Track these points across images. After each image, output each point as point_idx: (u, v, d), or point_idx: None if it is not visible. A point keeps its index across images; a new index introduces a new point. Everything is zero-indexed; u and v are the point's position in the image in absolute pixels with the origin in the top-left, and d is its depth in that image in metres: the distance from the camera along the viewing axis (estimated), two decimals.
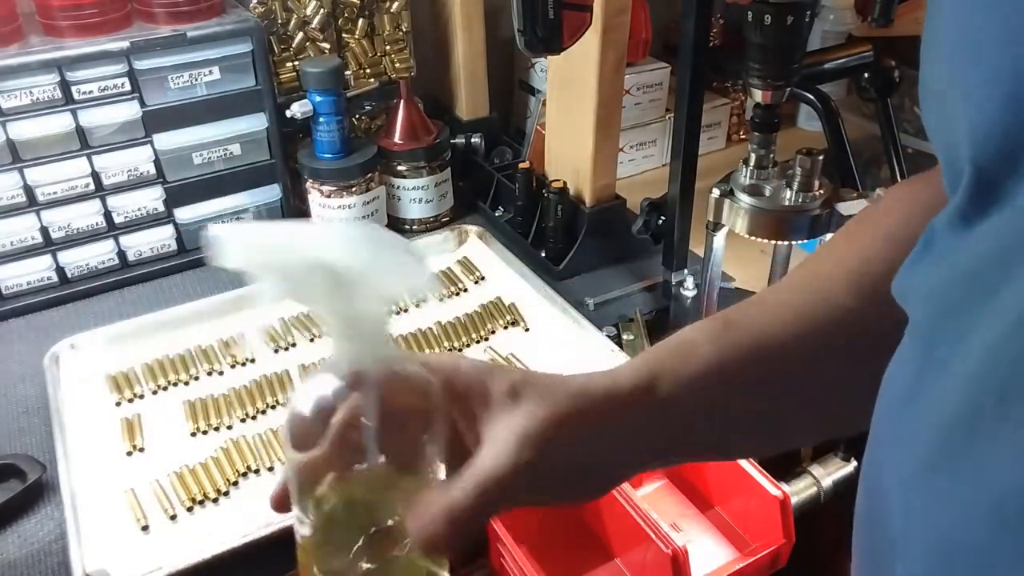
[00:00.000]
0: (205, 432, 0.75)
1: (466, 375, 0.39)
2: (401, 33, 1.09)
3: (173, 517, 0.67)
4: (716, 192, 0.81)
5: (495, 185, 1.08)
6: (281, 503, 0.40)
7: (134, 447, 0.73)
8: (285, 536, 0.64)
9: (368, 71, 1.09)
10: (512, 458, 0.36)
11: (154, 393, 0.79)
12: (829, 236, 0.74)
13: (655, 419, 0.40)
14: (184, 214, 0.97)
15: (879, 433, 0.30)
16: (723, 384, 0.41)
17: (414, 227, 1.06)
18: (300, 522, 0.39)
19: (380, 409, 0.36)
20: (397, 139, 1.04)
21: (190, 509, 0.67)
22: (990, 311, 0.24)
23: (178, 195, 0.96)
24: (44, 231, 0.91)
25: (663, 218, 0.88)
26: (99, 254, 0.95)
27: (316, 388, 0.38)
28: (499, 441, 0.37)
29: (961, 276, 0.27)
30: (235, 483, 0.69)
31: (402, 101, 1.05)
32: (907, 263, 0.30)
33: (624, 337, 0.85)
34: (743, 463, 0.72)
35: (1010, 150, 0.24)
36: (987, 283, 0.25)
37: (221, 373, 0.82)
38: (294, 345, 0.85)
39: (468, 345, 0.84)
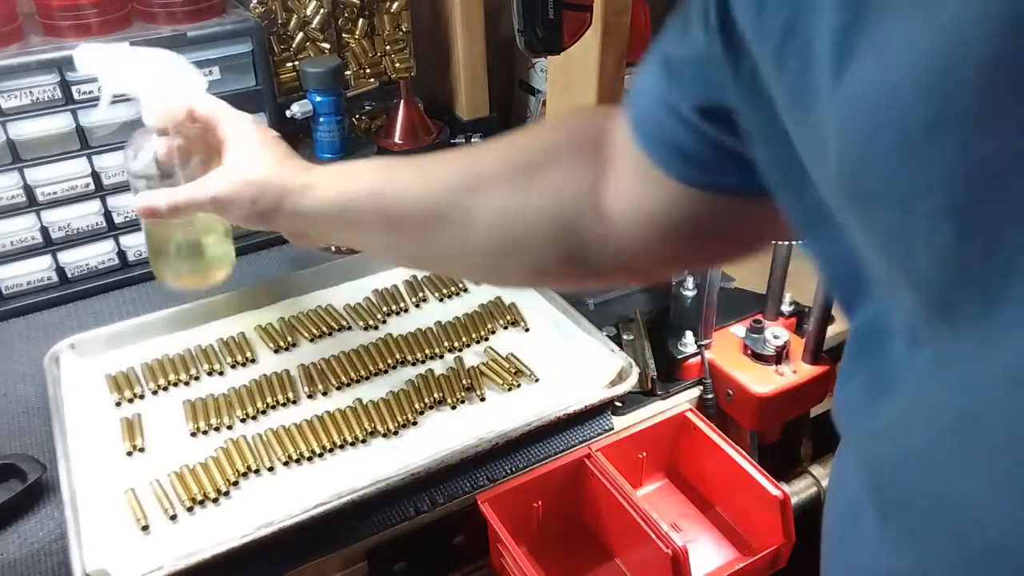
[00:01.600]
0: (205, 432, 0.75)
1: (227, 126, 0.67)
2: (401, 33, 1.09)
3: (173, 517, 0.66)
4: None
5: None
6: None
7: (134, 447, 0.73)
8: (285, 536, 0.64)
9: (368, 71, 1.09)
10: (225, 187, 0.64)
11: (154, 393, 0.79)
12: None
13: (309, 215, 0.62)
14: None
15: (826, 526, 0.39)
16: (351, 214, 0.60)
17: None
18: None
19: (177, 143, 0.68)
20: (397, 139, 1.04)
21: (190, 509, 0.67)
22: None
23: None
24: (44, 231, 0.91)
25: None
26: (99, 254, 0.95)
27: (142, 139, 0.69)
28: (228, 179, 0.64)
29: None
30: (235, 483, 0.69)
31: (402, 101, 1.05)
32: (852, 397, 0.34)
33: (624, 337, 0.85)
34: (743, 463, 0.72)
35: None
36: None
37: (221, 373, 0.82)
38: (295, 345, 0.85)
39: (468, 345, 0.84)
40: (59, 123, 0.86)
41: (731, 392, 0.80)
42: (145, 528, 0.66)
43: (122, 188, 0.92)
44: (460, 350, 0.84)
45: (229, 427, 0.75)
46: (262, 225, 0.66)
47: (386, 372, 0.81)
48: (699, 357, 0.81)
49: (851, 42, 0.27)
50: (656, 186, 0.45)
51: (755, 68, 0.33)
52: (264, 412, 0.77)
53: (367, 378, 0.80)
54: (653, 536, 0.65)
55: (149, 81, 0.67)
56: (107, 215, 0.93)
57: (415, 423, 0.75)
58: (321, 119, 0.98)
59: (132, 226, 0.95)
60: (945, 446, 0.27)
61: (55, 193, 0.89)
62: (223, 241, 0.76)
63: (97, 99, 0.88)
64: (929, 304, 0.27)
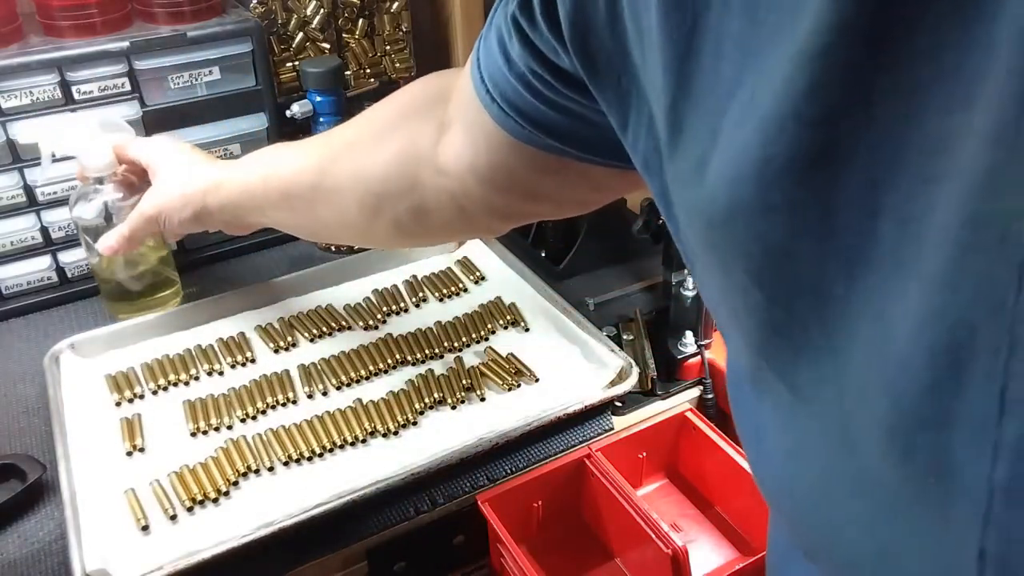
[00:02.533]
0: (205, 432, 0.75)
1: (144, 154, 0.78)
2: (401, 33, 1.09)
3: (173, 517, 0.66)
4: None
5: None
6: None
7: (134, 447, 0.73)
8: (285, 536, 0.64)
9: (368, 71, 1.09)
10: (158, 204, 0.74)
11: (154, 393, 0.79)
12: None
13: (227, 207, 0.70)
14: None
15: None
16: (256, 199, 0.67)
17: None
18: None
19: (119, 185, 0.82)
20: None
21: (190, 509, 0.67)
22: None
23: None
24: (44, 231, 0.91)
25: (663, 218, 0.88)
26: None
27: (84, 194, 0.82)
28: (159, 196, 0.74)
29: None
30: (235, 483, 0.69)
31: None
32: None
33: (624, 337, 0.85)
34: (743, 463, 0.72)
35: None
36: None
37: (221, 373, 0.82)
38: (295, 345, 0.85)
39: (468, 345, 0.84)
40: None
41: None
42: (145, 528, 0.66)
43: None
44: (460, 350, 0.84)
45: (229, 427, 0.75)
46: (199, 226, 0.74)
47: (386, 372, 0.81)
48: (699, 357, 0.81)
49: (679, 122, 0.30)
50: (487, 137, 0.46)
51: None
52: (264, 412, 0.77)
53: (367, 378, 0.80)
54: (653, 536, 0.65)
55: (81, 140, 0.79)
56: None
57: (415, 423, 0.75)
58: (321, 119, 0.98)
59: None
60: (820, 502, 0.30)
61: (55, 193, 0.89)
62: (166, 272, 0.90)
63: (97, 99, 0.88)
64: (755, 352, 0.30)
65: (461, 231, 0.63)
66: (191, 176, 0.72)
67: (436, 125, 0.52)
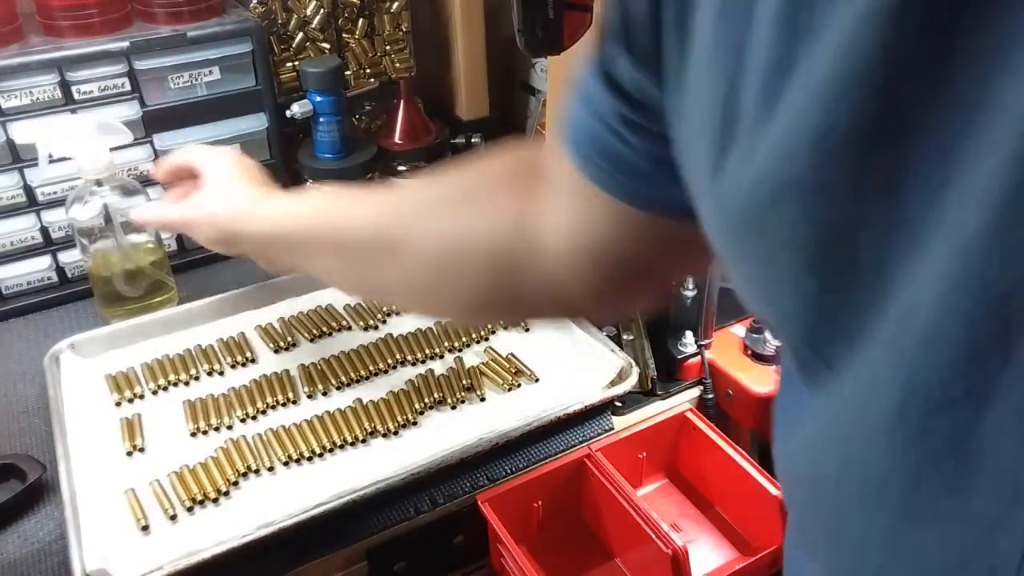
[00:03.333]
0: (205, 432, 0.75)
1: (205, 168, 0.72)
2: (401, 33, 1.09)
3: (173, 517, 0.66)
4: None
5: None
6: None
7: (134, 447, 0.73)
8: (285, 536, 0.64)
9: (368, 71, 1.09)
10: (192, 212, 0.71)
11: (154, 393, 0.79)
12: None
13: (259, 238, 0.66)
14: None
15: None
16: (296, 237, 0.62)
17: None
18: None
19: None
20: (397, 139, 1.04)
21: (190, 509, 0.67)
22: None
23: None
24: (44, 231, 0.91)
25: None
26: None
27: (82, 195, 0.83)
28: (195, 205, 0.70)
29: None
30: (235, 483, 0.69)
31: (402, 101, 1.05)
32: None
33: (624, 337, 0.85)
34: (743, 463, 0.72)
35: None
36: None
37: (221, 373, 0.82)
38: (295, 345, 0.85)
39: (468, 345, 0.84)
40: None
41: (731, 392, 0.80)
42: (145, 528, 0.66)
43: None
44: (460, 350, 0.84)
45: (229, 427, 0.75)
46: (227, 249, 0.71)
47: (386, 372, 0.81)
48: (699, 357, 0.81)
49: (735, 108, 0.28)
50: (587, 204, 0.43)
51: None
52: (264, 412, 0.77)
53: (367, 378, 0.80)
54: (653, 536, 0.65)
55: (79, 142, 0.80)
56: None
57: (415, 423, 0.75)
58: (321, 119, 0.98)
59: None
60: (834, 491, 0.29)
61: (55, 193, 0.89)
62: (160, 277, 0.90)
63: (97, 99, 0.88)
64: (801, 342, 0.29)
65: (544, 311, 0.58)
66: (232, 201, 0.68)
67: (527, 195, 0.48)
